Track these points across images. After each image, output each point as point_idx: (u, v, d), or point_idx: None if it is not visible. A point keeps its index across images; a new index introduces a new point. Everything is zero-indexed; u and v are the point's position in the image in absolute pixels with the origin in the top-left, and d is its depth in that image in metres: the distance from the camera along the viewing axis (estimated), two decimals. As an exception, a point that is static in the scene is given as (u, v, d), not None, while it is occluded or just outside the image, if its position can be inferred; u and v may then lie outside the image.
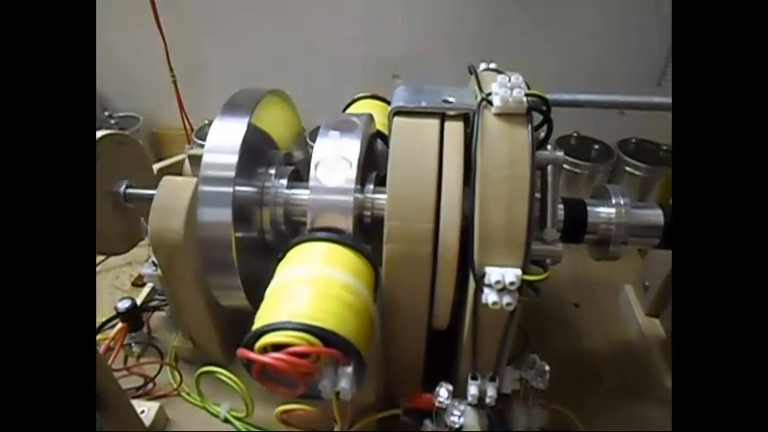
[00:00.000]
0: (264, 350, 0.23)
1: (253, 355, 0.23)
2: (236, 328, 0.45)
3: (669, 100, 0.28)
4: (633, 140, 0.59)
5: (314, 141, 0.58)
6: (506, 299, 0.26)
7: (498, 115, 0.27)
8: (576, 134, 0.60)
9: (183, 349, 0.43)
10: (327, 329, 0.23)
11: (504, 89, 0.27)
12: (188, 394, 0.41)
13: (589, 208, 0.36)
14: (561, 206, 0.34)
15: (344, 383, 0.24)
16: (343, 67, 0.63)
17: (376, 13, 0.59)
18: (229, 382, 0.36)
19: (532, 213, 0.26)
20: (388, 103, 0.49)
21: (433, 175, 0.28)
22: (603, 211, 0.35)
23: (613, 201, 0.35)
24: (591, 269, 0.55)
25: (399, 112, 0.30)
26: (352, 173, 0.32)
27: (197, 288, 0.38)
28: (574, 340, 0.48)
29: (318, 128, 0.61)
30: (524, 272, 0.26)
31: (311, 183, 0.32)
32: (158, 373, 0.42)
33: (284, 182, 0.37)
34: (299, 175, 0.39)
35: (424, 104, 0.30)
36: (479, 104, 0.28)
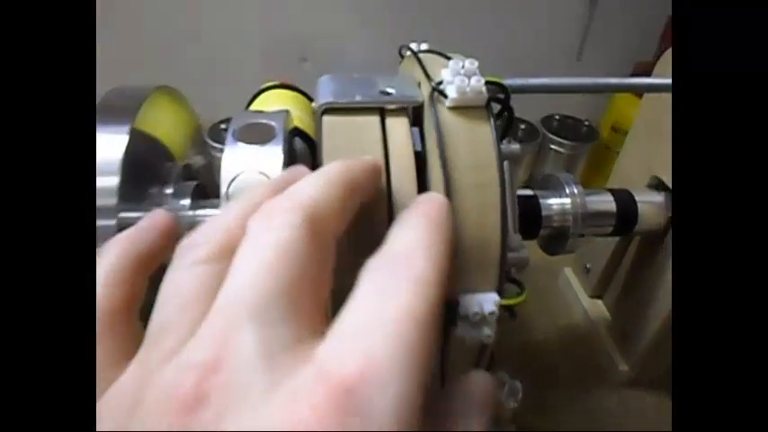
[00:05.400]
0: None
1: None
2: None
3: (634, 81, 0.26)
4: (556, 117, 0.58)
5: (214, 140, 0.50)
6: (485, 331, 0.21)
7: (454, 109, 0.23)
8: (500, 114, 0.57)
9: None
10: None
11: (460, 77, 0.22)
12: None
13: (541, 200, 0.33)
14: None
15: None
16: (240, 52, 0.55)
17: (275, -14, 0.51)
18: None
19: (506, 224, 0.22)
20: (301, 92, 0.42)
21: (381, 191, 0.22)
22: (557, 203, 0.33)
23: (567, 190, 0.33)
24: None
25: (330, 110, 0.24)
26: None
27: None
28: (523, 332, 0.46)
29: (219, 124, 0.53)
30: (500, 294, 0.22)
31: (222, 205, 0.25)
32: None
33: (186, 202, 0.29)
34: (204, 191, 0.32)
35: (359, 98, 0.24)
36: (431, 96, 0.23)
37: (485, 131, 0.22)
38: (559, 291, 0.49)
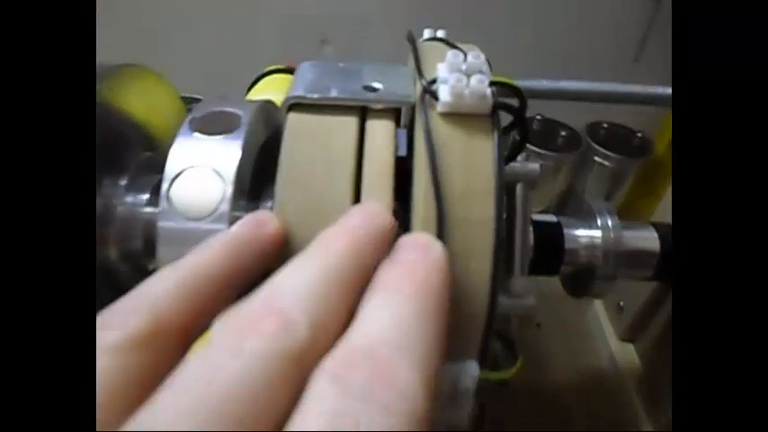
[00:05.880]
0: None
1: None
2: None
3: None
4: (604, 125, 0.51)
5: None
6: (459, 412, 0.16)
7: (447, 116, 0.17)
8: (539, 117, 0.51)
9: None
10: None
11: (458, 75, 0.17)
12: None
13: (566, 230, 0.27)
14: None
15: None
16: (256, 32, 0.51)
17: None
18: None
19: (497, 274, 0.17)
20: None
21: (345, 210, 0.18)
22: (584, 235, 0.27)
23: (599, 221, 0.27)
24: (554, 280, 0.47)
25: (297, 105, 0.20)
26: (226, 189, 0.21)
27: None
28: (537, 370, 0.40)
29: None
30: (482, 363, 0.17)
31: (161, 205, 0.21)
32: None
33: (144, 197, 0.25)
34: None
35: (334, 93, 0.19)
36: (421, 98, 0.18)
37: (484, 150, 0.17)
38: (586, 327, 0.43)
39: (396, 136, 0.19)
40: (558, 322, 0.43)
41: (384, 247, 0.14)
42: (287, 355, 0.10)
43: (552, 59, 0.47)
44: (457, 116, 0.17)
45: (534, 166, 0.22)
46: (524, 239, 0.22)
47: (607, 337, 0.40)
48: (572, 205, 0.30)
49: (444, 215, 0.15)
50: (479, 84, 0.17)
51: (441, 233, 0.15)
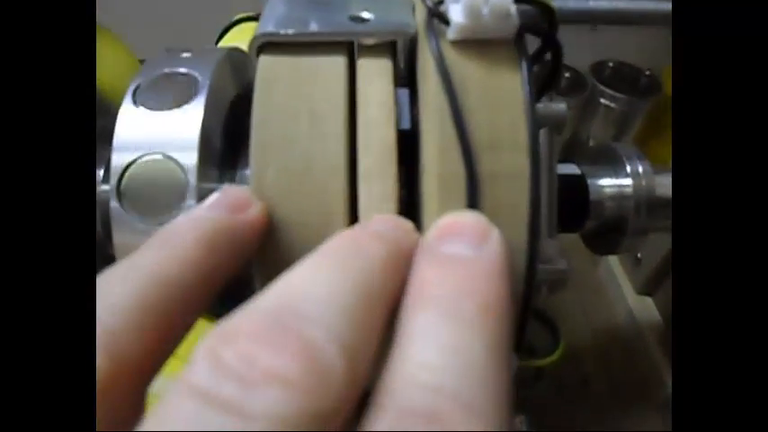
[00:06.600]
0: None
1: None
2: None
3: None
4: (610, 64, 0.47)
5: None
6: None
7: (460, 44, 0.14)
8: (539, 58, 0.46)
9: None
10: None
11: (473, -11, 0.13)
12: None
13: (590, 180, 0.24)
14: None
15: None
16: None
17: None
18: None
19: (536, 242, 0.13)
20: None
21: (338, 174, 0.14)
22: (611, 184, 0.24)
23: (628, 168, 0.24)
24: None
25: (269, 45, 0.16)
26: (188, 179, 0.17)
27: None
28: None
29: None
30: (519, 347, 0.14)
31: (112, 201, 0.17)
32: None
33: (99, 172, 0.21)
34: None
35: (314, 27, 0.15)
36: (428, 23, 0.14)
37: (511, 85, 0.13)
38: (599, 281, 0.40)
39: (394, 73, 0.15)
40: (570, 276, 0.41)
41: (408, 269, 0.10)
42: (320, 416, 0.07)
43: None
44: (473, 44, 0.14)
45: (561, 106, 0.18)
46: (551, 195, 0.18)
47: (624, 292, 0.38)
48: (590, 151, 0.26)
49: (475, 171, 0.12)
50: (501, 1, 0.13)
51: (473, 197, 0.12)
